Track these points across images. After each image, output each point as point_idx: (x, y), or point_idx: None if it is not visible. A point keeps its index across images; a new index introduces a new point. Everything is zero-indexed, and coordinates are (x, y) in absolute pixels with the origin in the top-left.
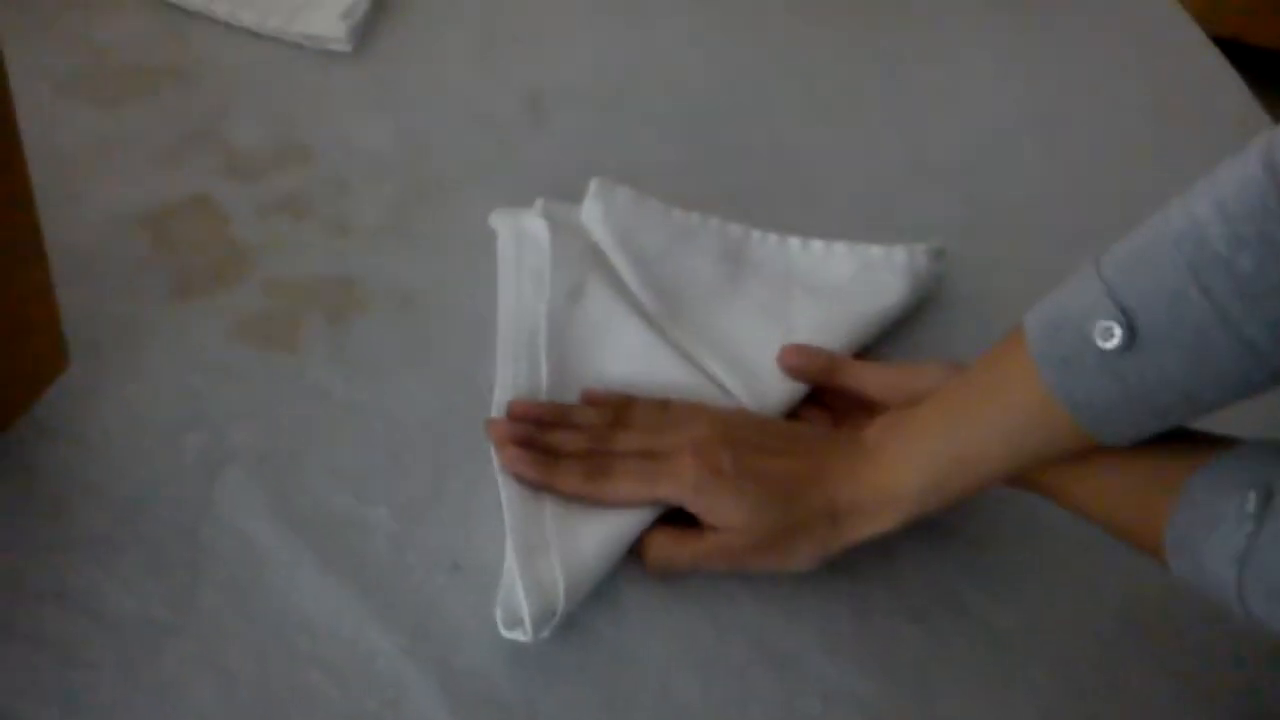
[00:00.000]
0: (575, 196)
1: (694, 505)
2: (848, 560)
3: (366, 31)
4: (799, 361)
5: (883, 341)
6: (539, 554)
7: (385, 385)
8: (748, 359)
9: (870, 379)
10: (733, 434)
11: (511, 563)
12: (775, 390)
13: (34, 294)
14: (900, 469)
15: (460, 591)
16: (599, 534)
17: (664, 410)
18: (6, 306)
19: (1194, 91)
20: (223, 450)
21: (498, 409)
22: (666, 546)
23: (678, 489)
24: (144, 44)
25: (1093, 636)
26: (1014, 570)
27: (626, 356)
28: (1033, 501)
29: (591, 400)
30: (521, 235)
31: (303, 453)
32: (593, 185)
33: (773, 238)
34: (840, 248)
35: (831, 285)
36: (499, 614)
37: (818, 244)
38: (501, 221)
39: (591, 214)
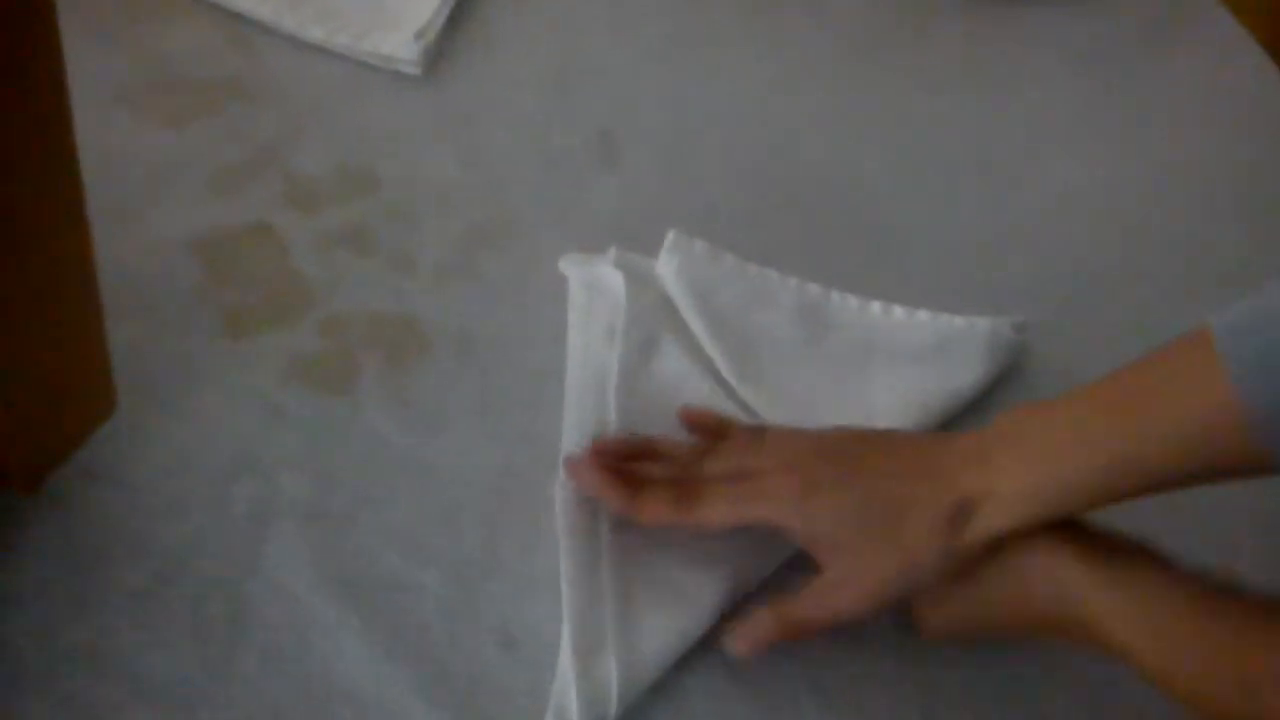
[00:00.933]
0: (647, 241)
1: (792, 520)
2: (917, 653)
3: (439, 54)
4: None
5: (960, 415)
6: (597, 651)
7: (442, 436)
8: (821, 424)
9: None
10: (831, 447)
11: (567, 663)
12: None
13: (84, 331)
14: (1051, 465)
15: (512, 668)
16: (662, 628)
17: (760, 435)
18: (55, 344)
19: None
20: (273, 501)
21: (563, 466)
22: (794, 612)
23: (773, 507)
24: (209, 56)
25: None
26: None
27: None
28: None
29: (688, 419)
30: (594, 284)
31: (354, 506)
32: (669, 237)
33: (853, 300)
34: (923, 316)
35: (912, 354)
36: (550, 716)
37: (899, 310)
38: (573, 269)
39: (667, 267)
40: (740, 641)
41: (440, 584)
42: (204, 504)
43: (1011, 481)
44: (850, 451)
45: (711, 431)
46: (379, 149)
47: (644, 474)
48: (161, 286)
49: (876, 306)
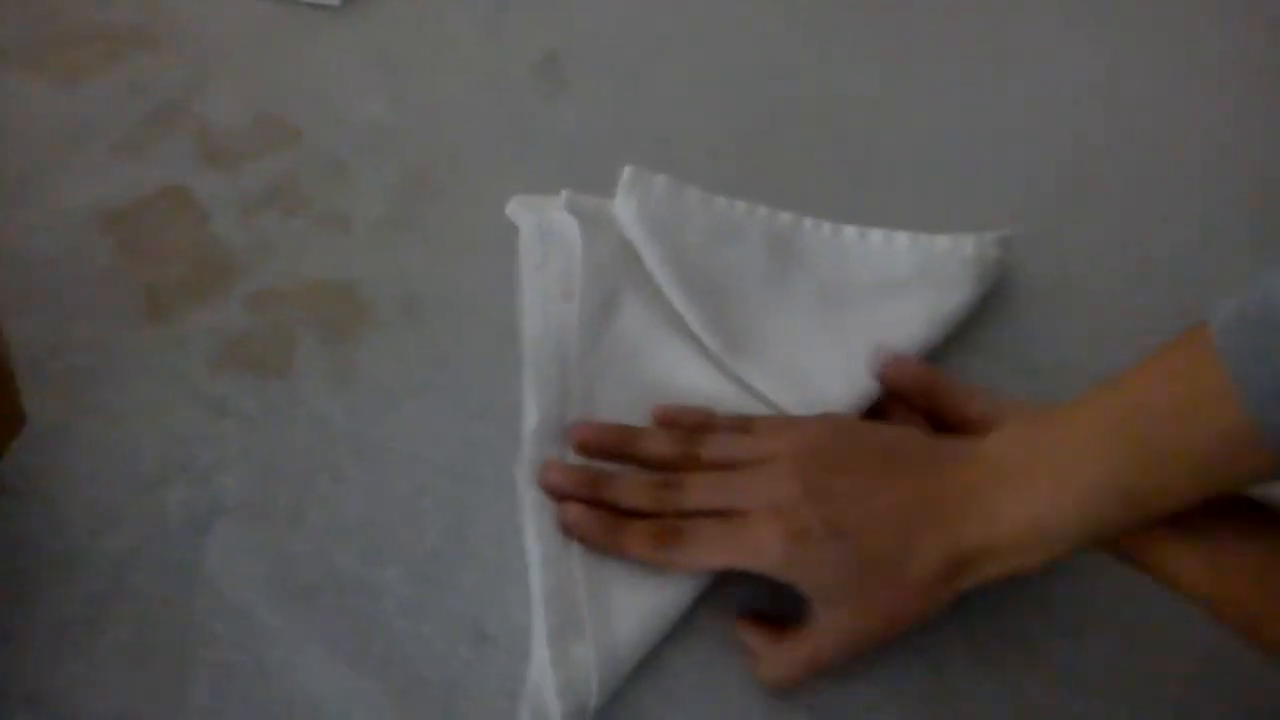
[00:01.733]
0: (600, 176)
1: (779, 573)
2: None
3: None
4: (896, 374)
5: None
6: (572, 638)
7: (393, 415)
8: (799, 366)
9: (977, 408)
10: (821, 470)
11: (540, 652)
12: (831, 400)
13: None
14: (1057, 503)
15: (488, 666)
16: (639, 609)
17: (745, 434)
18: None
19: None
20: (212, 504)
21: (528, 441)
22: (778, 663)
23: (760, 561)
24: (103, 3)
25: (1172, 684)
26: (1093, 616)
27: (665, 376)
28: None
29: (664, 420)
30: (547, 231)
31: (302, 502)
32: (626, 174)
33: (826, 227)
34: (902, 239)
35: (893, 281)
36: (525, 714)
37: (876, 234)
38: (522, 214)
39: (625, 208)
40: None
41: (403, 581)
42: (136, 513)
43: (1013, 528)
44: (844, 467)
45: (690, 429)
46: (300, 94)
47: (623, 500)
48: (68, 268)
49: (852, 231)
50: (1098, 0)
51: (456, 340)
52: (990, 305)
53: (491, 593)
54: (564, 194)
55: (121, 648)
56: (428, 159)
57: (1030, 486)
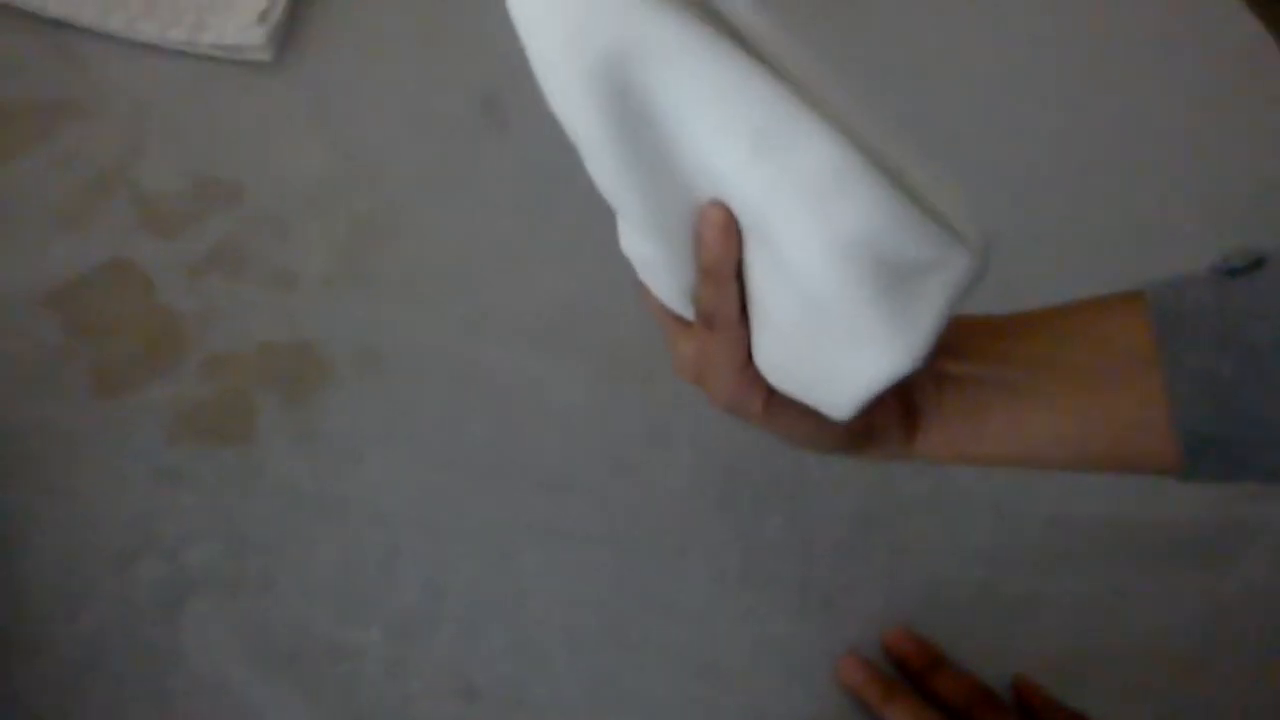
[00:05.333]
0: (547, 210)
1: None
2: None
3: (289, 35)
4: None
5: None
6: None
7: (359, 471)
8: None
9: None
10: None
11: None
12: None
13: None
14: (975, 444)
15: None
16: None
17: None
18: None
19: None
20: (181, 578)
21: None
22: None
23: None
24: (31, 74)
25: None
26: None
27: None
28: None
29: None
30: None
31: (273, 569)
32: None
33: None
34: None
35: None
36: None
37: None
38: None
39: None
40: None
41: (383, 640)
42: (104, 594)
43: (934, 455)
44: None
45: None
46: (237, 152)
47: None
48: (16, 349)
49: None
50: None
51: (416, 390)
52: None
53: (476, 645)
54: None
55: None
56: (372, 209)
57: (957, 429)
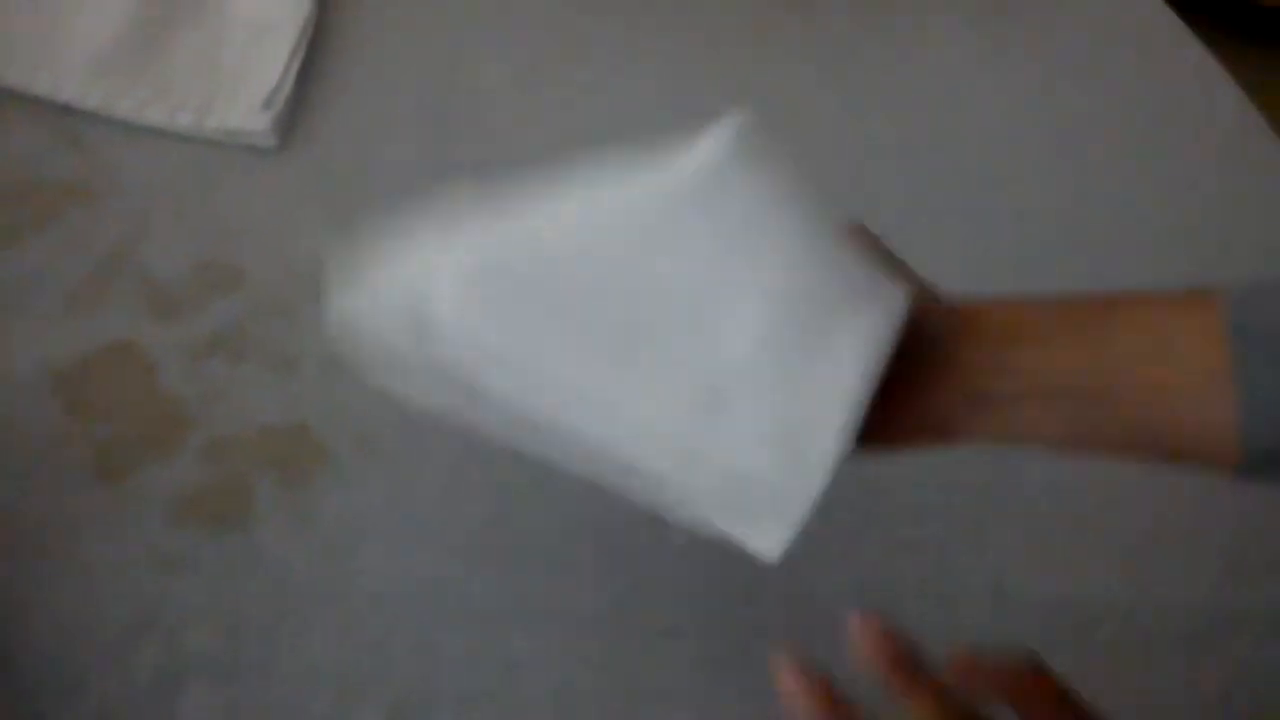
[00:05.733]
0: None
1: None
2: None
3: (294, 118)
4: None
5: None
6: None
7: (357, 556)
8: None
9: None
10: None
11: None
12: None
13: None
14: (1013, 429)
15: None
16: None
17: None
18: None
19: (1178, 86)
20: (179, 661)
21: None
22: None
23: None
24: (37, 159)
25: None
26: None
27: None
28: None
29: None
30: None
31: (270, 653)
32: None
33: None
34: None
35: None
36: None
37: None
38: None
39: None
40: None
41: None
42: (103, 675)
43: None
44: None
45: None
46: (241, 236)
47: None
48: (17, 430)
49: None
50: (1017, 34)
51: (414, 473)
52: None
53: None
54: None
55: None
56: None
57: (996, 415)
